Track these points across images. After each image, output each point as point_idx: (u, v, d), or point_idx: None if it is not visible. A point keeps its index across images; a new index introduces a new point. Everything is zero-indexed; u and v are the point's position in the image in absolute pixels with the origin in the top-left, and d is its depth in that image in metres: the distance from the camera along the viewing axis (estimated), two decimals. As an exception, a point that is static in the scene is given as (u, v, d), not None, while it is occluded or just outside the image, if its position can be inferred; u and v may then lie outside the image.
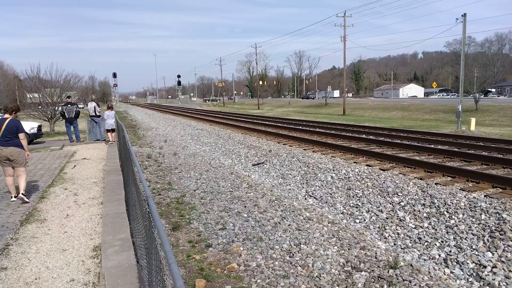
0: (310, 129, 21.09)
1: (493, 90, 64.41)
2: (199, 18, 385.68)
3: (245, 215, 7.52)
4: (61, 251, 4.87)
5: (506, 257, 5.49)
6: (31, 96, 25.54)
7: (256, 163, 13.37)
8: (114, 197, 7.13)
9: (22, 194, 6.98)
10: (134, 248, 4.80)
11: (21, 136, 7.07)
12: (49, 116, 23.24)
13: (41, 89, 24.27)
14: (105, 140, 16.53)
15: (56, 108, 22.93)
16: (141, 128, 29.45)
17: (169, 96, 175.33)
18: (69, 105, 16.36)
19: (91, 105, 16.91)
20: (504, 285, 5.01)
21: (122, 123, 14.05)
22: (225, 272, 5.05)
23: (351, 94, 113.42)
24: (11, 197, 7.14)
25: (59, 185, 8.57)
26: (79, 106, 23.80)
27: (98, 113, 16.76)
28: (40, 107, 24.06)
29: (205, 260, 5.39)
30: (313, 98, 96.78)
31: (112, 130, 15.54)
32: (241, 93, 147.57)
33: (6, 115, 7.22)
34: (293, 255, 5.65)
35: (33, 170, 10.10)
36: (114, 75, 68.17)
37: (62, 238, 5.30)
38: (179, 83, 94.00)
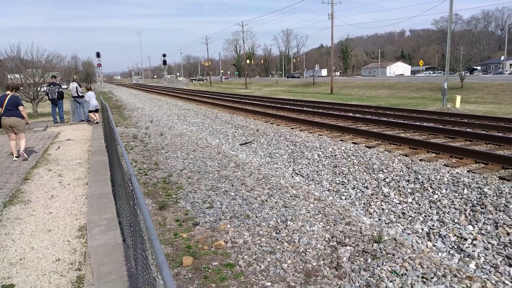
0: (298, 108, 21.07)
1: (479, 68, 65.03)
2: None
3: (232, 193, 7.55)
4: (46, 232, 4.84)
5: (486, 229, 5.65)
6: (12, 77, 24.85)
7: (243, 142, 13.36)
8: (100, 178, 7.07)
9: (22, 151, 8.89)
10: (121, 228, 4.79)
11: (21, 108, 8.92)
12: (32, 97, 22.71)
13: (23, 69, 23.59)
14: (89, 120, 16.28)
15: (39, 88, 22.40)
16: (127, 108, 29.04)
17: (155, 76, 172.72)
18: (51, 86, 16.00)
19: (73, 85, 16.55)
20: (483, 256, 5.17)
21: (106, 104, 13.81)
22: (212, 249, 5.09)
23: (338, 72, 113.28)
24: (13, 157, 8.92)
25: (43, 166, 8.45)
26: (62, 86, 23.27)
27: (80, 94, 16.43)
28: (22, 88, 23.44)
29: (192, 238, 5.42)
30: (297, 77, 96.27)
31: (96, 111, 15.32)
32: (228, 72, 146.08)
33: (8, 92, 9.03)
34: (279, 231, 5.71)
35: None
36: (98, 55, 66.42)
37: (47, 219, 5.26)
38: (164, 62, 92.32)
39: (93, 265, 3.80)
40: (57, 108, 16.34)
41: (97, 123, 15.11)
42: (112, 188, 6.41)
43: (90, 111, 15.52)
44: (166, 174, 9.16)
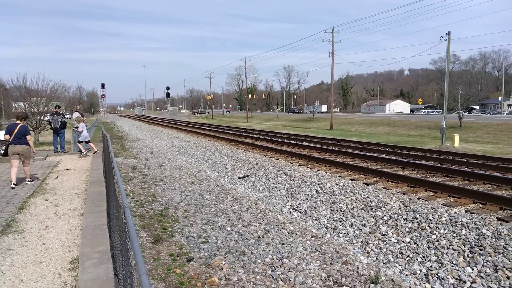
0: (297, 142, 21.19)
1: (477, 107, 65.92)
2: (190, 31, 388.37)
3: (229, 228, 7.47)
4: (38, 264, 4.76)
5: (485, 272, 5.54)
6: (17, 105, 25.19)
7: (242, 175, 13.35)
8: (96, 209, 7.02)
9: (28, 180, 9.54)
10: (113, 261, 4.71)
11: (28, 137, 9.45)
12: (34, 126, 22.91)
13: (27, 98, 23.96)
14: (88, 151, 16.34)
15: (42, 117, 22.65)
16: (128, 139, 29.21)
17: (158, 108, 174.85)
18: (55, 115, 16.21)
19: (75, 115, 16.75)
20: (483, 300, 5.05)
21: (107, 134, 13.93)
22: (205, 286, 4.99)
23: (338, 109, 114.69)
24: (12, 184, 9.06)
25: (40, 195, 8.42)
26: (66, 116, 23.56)
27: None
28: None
29: (186, 274, 5.32)
30: (298, 112, 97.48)
31: (87, 141, 15.49)
32: (230, 106, 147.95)
33: (18, 121, 9.54)
34: (275, 269, 5.61)
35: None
36: (103, 86, 67.66)
37: (40, 250, 5.19)
38: (168, 94, 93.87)
39: (83, 300, 3.72)
40: (58, 137, 16.47)
41: (95, 153, 15.15)
42: (108, 219, 6.36)
43: (79, 142, 15.56)
44: (163, 206, 9.10)
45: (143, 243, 6.52)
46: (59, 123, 15.99)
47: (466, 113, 43.23)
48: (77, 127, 16.18)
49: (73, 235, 5.84)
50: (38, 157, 14.44)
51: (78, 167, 12.51)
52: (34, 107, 23.51)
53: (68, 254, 5.09)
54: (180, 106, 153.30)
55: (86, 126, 16.17)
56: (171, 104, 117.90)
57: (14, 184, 9.07)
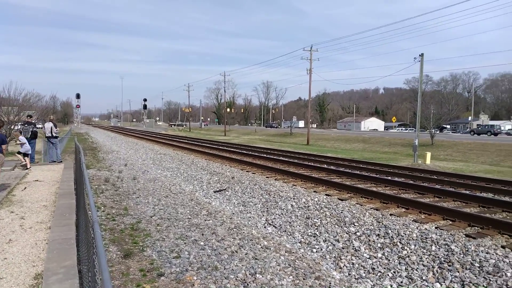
0: (274, 157, 21.27)
1: (448, 126, 68.24)
2: (170, 44, 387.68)
3: (202, 243, 7.36)
4: (-2, 279, 4.53)
5: (453, 287, 5.66)
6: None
7: (218, 189, 13.25)
8: (64, 222, 6.79)
9: None
10: (80, 277, 4.55)
11: (4, 146, 9.73)
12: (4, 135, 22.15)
13: (-3, 106, 23.24)
14: (61, 161, 15.88)
15: (13, 127, 21.95)
16: (102, 151, 28.59)
17: (134, 120, 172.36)
18: (26, 125, 15.74)
19: (48, 125, 16.32)
20: (450, 315, 5.14)
21: (80, 145, 13.60)
22: (175, 302, 4.87)
23: (315, 125, 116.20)
24: None
25: (6, 207, 8.07)
26: (38, 126, 22.91)
27: (55, 134, 16.17)
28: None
29: (156, 290, 5.19)
30: (276, 127, 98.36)
31: (25, 155, 14.39)
32: (208, 119, 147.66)
33: None
34: (247, 285, 5.55)
35: (-22, 191, 9.49)
36: (78, 96, 66.55)
37: (0, 266, 4.95)
38: (145, 106, 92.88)
39: (45, 318, 3.55)
40: (28, 147, 15.93)
41: (27, 168, 14.04)
42: (77, 233, 6.15)
43: (19, 152, 14.64)
44: (135, 220, 8.89)
45: (112, 258, 6.33)
46: (30, 133, 15.52)
47: (438, 132, 44.64)
48: (56, 137, 15.65)
49: (38, 249, 5.60)
50: (5, 168, 13.90)
51: (48, 178, 12.11)
52: (4, 116, 22.80)
53: (32, 269, 4.88)
54: (157, 118, 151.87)
55: (58, 137, 15.71)
56: (148, 116, 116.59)
57: None
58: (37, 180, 11.58)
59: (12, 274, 4.68)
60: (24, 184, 10.93)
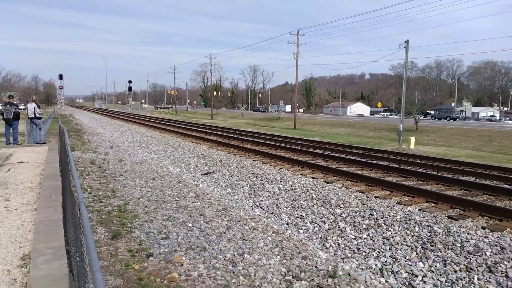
0: (261, 141, 21.32)
1: (432, 112, 69.14)
2: (153, 25, 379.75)
3: (190, 224, 7.40)
4: (-16, 260, 4.49)
5: (435, 267, 5.85)
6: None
7: (205, 172, 13.26)
8: (50, 203, 6.72)
9: None
10: (68, 257, 4.54)
11: None
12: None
13: (-24, 86, 22.55)
14: (44, 143, 15.61)
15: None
16: (87, 133, 28.17)
17: (119, 102, 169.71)
18: (7, 105, 15.35)
19: (31, 106, 15.95)
20: (432, 293, 5.33)
21: (64, 127, 13.37)
22: (165, 282, 4.92)
23: (302, 109, 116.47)
24: None
25: (-11, 189, 7.94)
26: (20, 107, 22.37)
27: (38, 115, 15.84)
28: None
29: (145, 270, 5.22)
30: (263, 111, 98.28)
31: None
32: (195, 102, 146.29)
33: None
34: (236, 264, 5.63)
35: (-41, 172, 9.30)
36: (61, 77, 64.97)
37: (-13, 246, 4.90)
38: (130, 88, 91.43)
39: (34, 297, 3.56)
40: (11, 128, 15.60)
41: None
42: (63, 215, 6.11)
43: None
44: (122, 202, 8.86)
45: (100, 239, 6.33)
46: (12, 113, 15.16)
47: (422, 118, 45.28)
48: (39, 118, 15.28)
49: (25, 231, 5.56)
50: (-13, 149, 13.61)
51: (32, 160, 11.91)
52: (-16, 96, 22.16)
53: (19, 250, 4.85)
54: (143, 101, 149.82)
55: (41, 118, 15.40)
56: (133, 98, 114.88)
57: None
58: (21, 162, 11.38)
59: (-1, 255, 4.64)
60: (8, 165, 10.74)
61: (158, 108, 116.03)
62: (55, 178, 8.87)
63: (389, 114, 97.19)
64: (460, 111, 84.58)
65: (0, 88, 23.64)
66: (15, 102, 16.41)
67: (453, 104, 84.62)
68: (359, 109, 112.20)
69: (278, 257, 6.02)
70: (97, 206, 8.29)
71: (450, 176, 11.26)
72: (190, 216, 7.96)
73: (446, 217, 7.29)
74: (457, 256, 5.95)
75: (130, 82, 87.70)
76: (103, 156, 16.00)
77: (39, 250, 4.60)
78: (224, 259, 5.80)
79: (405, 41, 26.18)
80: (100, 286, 1.74)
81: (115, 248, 5.95)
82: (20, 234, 5.40)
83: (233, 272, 5.35)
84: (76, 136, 24.54)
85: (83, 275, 2.62)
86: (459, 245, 6.18)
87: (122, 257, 5.64)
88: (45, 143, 15.82)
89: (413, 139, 21.81)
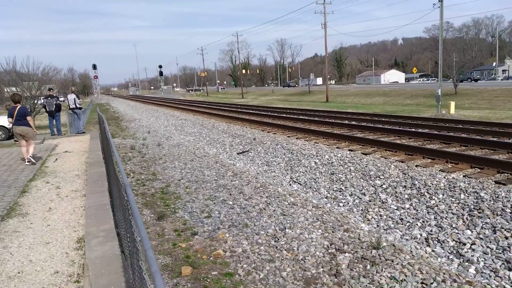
0: (294, 116, 21.16)
1: (477, 75, 65.54)
2: (178, 8, 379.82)
3: (231, 202, 7.55)
4: (44, 244, 4.81)
5: (484, 234, 5.67)
6: (9, 90, 24.85)
7: (240, 151, 13.38)
8: (97, 189, 7.05)
9: (30, 156, 9.75)
10: (119, 239, 4.77)
11: (28, 118, 9.89)
12: (29, 110, 22.68)
13: (19, 82, 23.60)
14: (83, 132, 16.26)
15: (36, 101, 22.40)
16: (124, 119, 29.05)
17: (152, 87, 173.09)
18: (49, 98, 16.05)
19: (71, 97, 16.60)
20: (482, 260, 5.19)
21: (103, 115, 13.84)
22: (211, 258, 5.08)
23: (333, 81, 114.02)
24: (25, 162, 9.75)
25: (41, 178, 8.42)
26: (60, 99, 23.32)
27: (78, 105, 16.47)
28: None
29: (191, 248, 5.41)
30: (293, 86, 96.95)
31: None
32: (225, 82, 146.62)
33: (16, 104, 9.81)
34: (278, 239, 5.71)
35: (13, 164, 9.90)
36: (94, 67, 66.67)
37: (45, 231, 5.24)
38: (161, 73, 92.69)
39: (92, 277, 3.79)
40: (54, 120, 16.35)
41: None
42: (110, 199, 6.40)
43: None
44: (164, 184, 9.15)
45: (147, 220, 6.59)
46: (54, 106, 15.84)
47: (468, 81, 42.95)
48: (80, 108, 15.81)
49: (77, 216, 5.88)
50: (35, 141, 14.37)
51: (76, 149, 12.47)
52: (26, 91, 23.21)
53: (73, 234, 5.15)
54: (174, 85, 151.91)
55: (82, 107, 16.02)
56: (164, 82, 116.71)
57: (27, 161, 9.71)
58: (66, 151, 11.95)
59: (57, 239, 4.96)
60: (55, 155, 11.31)
61: (190, 91, 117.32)
62: (99, 165, 9.27)
63: (425, 79, 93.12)
64: (503, 70, 79.74)
65: (40, 82, 24.54)
66: (55, 95, 17.11)
67: (494, 64, 79.81)
68: (394, 76, 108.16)
69: (320, 230, 6.05)
70: (140, 190, 8.61)
71: (495, 139, 10.74)
72: (230, 194, 8.10)
73: (493, 182, 7.00)
74: (508, 222, 5.73)
75: (160, 67, 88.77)
76: (141, 141, 16.50)
77: (92, 233, 4.87)
78: (266, 234, 5.89)
79: (439, 0, 24.74)
80: (153, 264, 1.81)
81: (161, 229, 6.19)
82: (73, 219, 5.72)
83: (276, 247, 5.44)
84: (114, 124, 25.37)
85: (135, 254, 2.75)
86: (509, 211, 5.94)
87: (169, 236, 5.87)
88: (84, 132, 16.48)
89: (453, 104, 20.88)
